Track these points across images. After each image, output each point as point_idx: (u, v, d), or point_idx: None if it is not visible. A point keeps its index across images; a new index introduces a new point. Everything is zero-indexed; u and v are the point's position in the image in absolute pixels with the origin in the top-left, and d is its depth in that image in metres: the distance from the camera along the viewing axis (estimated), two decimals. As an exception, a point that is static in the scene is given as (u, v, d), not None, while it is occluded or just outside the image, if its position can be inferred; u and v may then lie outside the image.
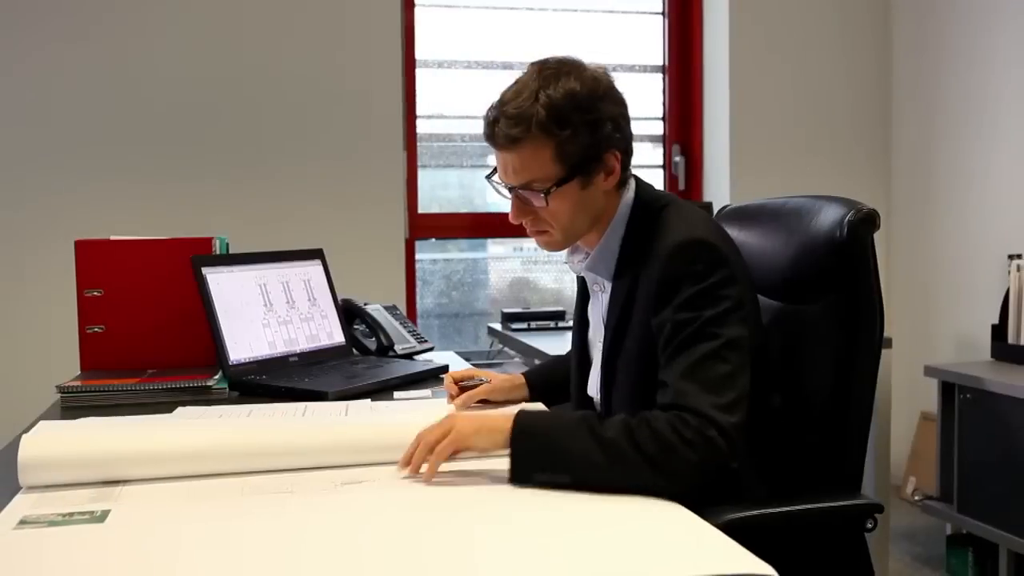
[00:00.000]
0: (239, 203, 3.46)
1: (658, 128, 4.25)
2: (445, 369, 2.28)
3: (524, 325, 3.19)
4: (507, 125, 1.48)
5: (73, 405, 1.95)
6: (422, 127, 3.88)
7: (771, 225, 1.76)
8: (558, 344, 2.95)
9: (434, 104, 3.94)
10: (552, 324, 3.21)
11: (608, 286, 1.61)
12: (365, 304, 2.56)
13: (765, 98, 3.95)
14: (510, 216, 1.58)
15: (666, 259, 1.46)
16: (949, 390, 3.04)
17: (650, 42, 4.24)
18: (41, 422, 1.74)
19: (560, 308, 3.38)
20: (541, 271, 4.07)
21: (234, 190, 3.48)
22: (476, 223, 4.03)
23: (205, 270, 2.14)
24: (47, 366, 2.46)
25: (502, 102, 1.52)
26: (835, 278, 1.61)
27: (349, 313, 2.49)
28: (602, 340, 1.62)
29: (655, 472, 1.31)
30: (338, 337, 2.39)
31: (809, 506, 1.51)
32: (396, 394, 2.03)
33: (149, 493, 1.33)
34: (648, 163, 4.25)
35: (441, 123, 4.00)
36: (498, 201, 4.03)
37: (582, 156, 1.49)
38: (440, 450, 1.38)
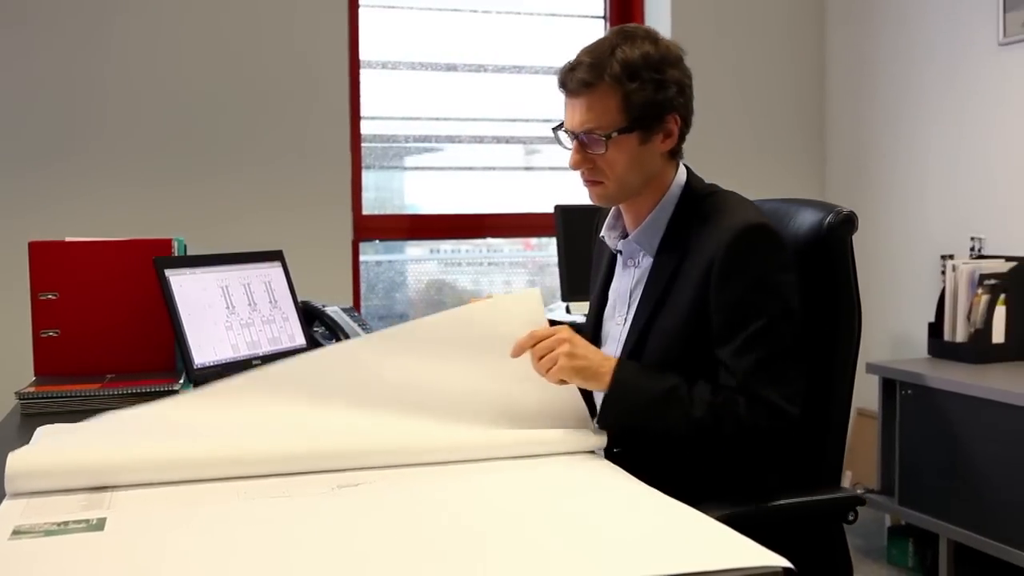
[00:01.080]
0: (185, 204, 3.39)
1: (599, 130, 4.28)
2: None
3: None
4: (582, 71, 1.58)
5: (34, 412, 1.88)
6: (365, 128, 3.85)
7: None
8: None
9: (378, 105, 3.91)
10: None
11: (644, 261, 1.66)
12: (324, 306, 2.54)
13: (705, 101, 3.99)
14: (570, 162, 1.64)
15: (731, 241, 1.52)
16: (890, 386, 3.13)
17: (591, 45, 4.27)
18: (41, 428, 1.67)
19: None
20: (458, 272, 4.06)
21: (181, 191, 3.40)
22: (418, 225, 4.01)
23: (168, 272, 2.09)
24: (-1, 371, 2.39)
25: (583, 52, 1.61)
26: (816, 277, 1.65)
27: (308, 315, 2.46)
28: (623, 314, 1.68)
29: (729, 450, 1.47)
30: (299, 339, 2.36)
31: (797, 500, 1.54)
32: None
33: (141, 499, 1.30)
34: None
35: (384, 124, 3.97)
36: (440, 203, 4.05)
37: (645, 111, 1.57)
38: (561, 368, 1.47)
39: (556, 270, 3.60)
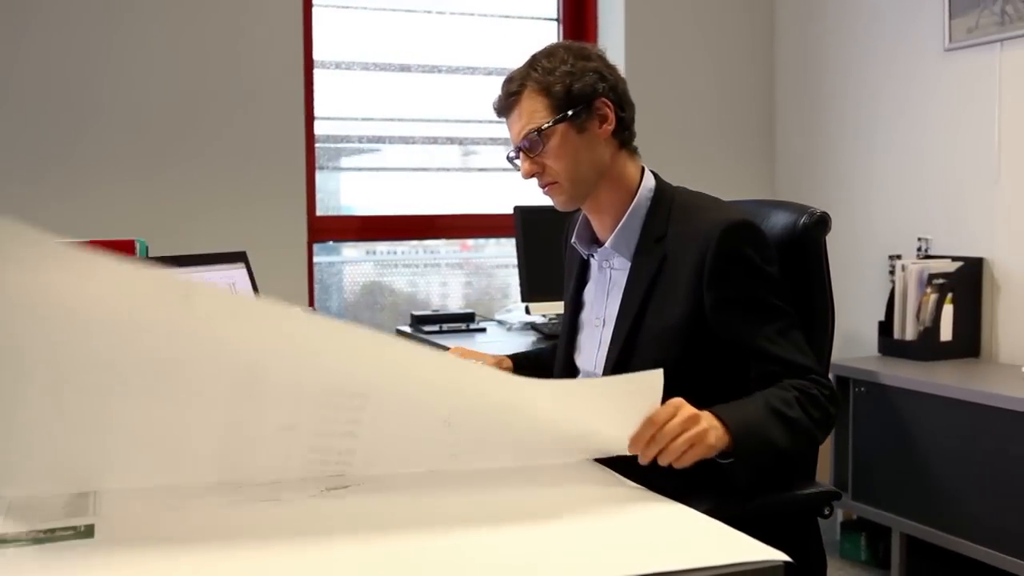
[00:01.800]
0: (137, 204, 3.33)
1: (552, 132, 4.30)
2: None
3: (436, 327, 3.18)
4: (506, 87, 1.67)
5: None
6: (319, 128, 3.82)
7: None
8: (477, 344, 2.97)
9: (331, 105, 3.88)
10: (464, 326, 3.22)
11: (618, 263, 1.69)
12: (288, 308, 2.52)
13: (659, 102, 4.06)
14: (522, 173, 1.68)
15: (723, 236, 1.55)
16: (843, 384, 3.19)
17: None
18: None
19: (469, 311, 3.39)
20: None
21: (132, 191, 3.34)
22: (367, 226, 3.98)
23: (134, 274, 2.05)
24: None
25: (505, 78, 1.70)
26: (790, 277, 1.68)
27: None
28: (600, 316, 1.69)
29: (820, 432, 1.54)
30: (264, 342, 2.34)
31: (774, 495, 1.57)
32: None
33: (126, 502, 1.27)
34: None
35: (338, 124, 3.94)
36: (382, 204, 4.03)
37: (571, 99, 1.62)
38: (691, 451, 1.37)
39: (493, 272, 3.63)
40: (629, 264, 1.67)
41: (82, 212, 3.25)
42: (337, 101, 3.90)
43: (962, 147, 3.38)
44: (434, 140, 4.12)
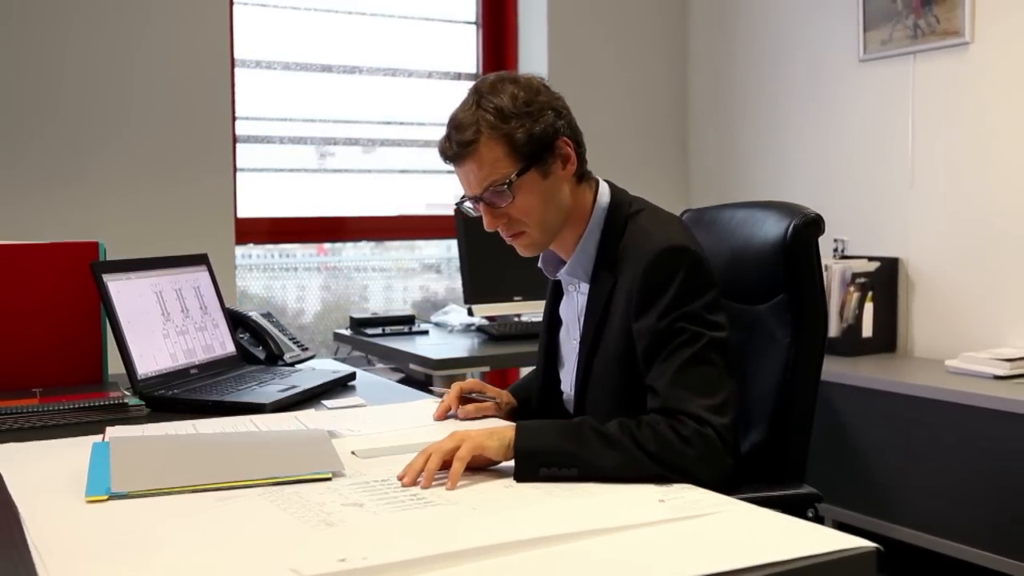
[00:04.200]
0: (64, 206, 3.18)
1: (472, 135, 4.31)
2: (353, 377, 2.24)
3: (379, 331, 3.15)
4: (457, 135, 1.56)
5: (-29, 430, 1.74)
6: (240, 129, 3.73)
7: (724, 229, 1.87)
8: (419, 346, 2.95)
9: (252, 105, 3.79)
10: (406, 329, 3.20)
11: (584, 287, 1.66)
12: (248, 312, 2.46)
13: (579, 107, 4.11)
14: (485, 225, 1.62)
15: (648, 265, 1.52)
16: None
17: (465, 51, 4.30)
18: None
19: (410, 313, 3.37)
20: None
21: (57, 193, 3.19)
22: (299, 228, 3.92)
23: (106, 277, 1.98)
24: None
25: (449, 122, 1.60)
26: (782, 279, 1.73)
27: (234, 321, 2.38)
28: (576, 337, 1.68)
29: (657, 465, 1.38)
30: (229, 347, 2.29)
31: (758, 495, 1.55)
32: (326, 403, 1.98)
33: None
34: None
35: (260, 125, 3.86)
36: (307, 206, 3.96)
37: (534, 145, 1.55)
38: (462, 455, 1.37)
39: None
40: (588, 287, 1.66)
41: (8, 214, 3.09)
42: (259, 101, 3.82)
43: (877, 153, 3.56)
44: (333, 141, 4.07)
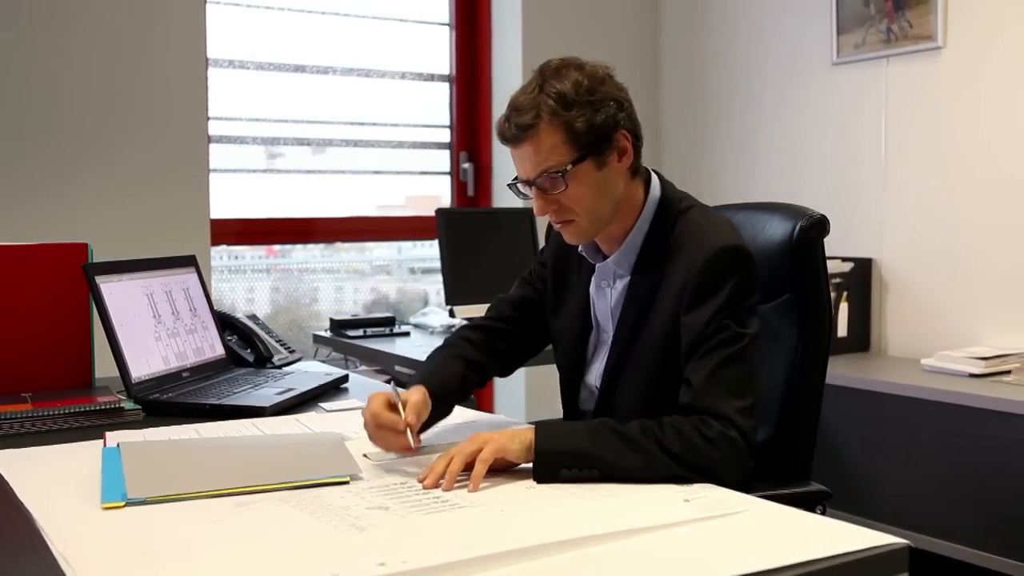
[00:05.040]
0: (31, 207, 3.12)
1: (445, 136, 4.31)
2: (346, 379, 2.22)
3: (360, 332, 3.13)
4: (517, 117, 1.53)
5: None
6: (213, 129, 3.68)
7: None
8: (403, 348, 2.94)
9: (225, 105, 3.75)
10: (387, 331, 3.18)
11: (618, 284, 1.65)
12: (235, 315, 2.43)
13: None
14: (535, 210, 1.60)
15: (707, 262, 1.52)
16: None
17: (438, 52, 4.29)
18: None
19: (390, 315, 3.35)
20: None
21: (27, 194, 3.13)
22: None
23: (99, 279, 1.94)
24: None
25: (510, 103, 1.57)
26: (788, 280, 1.75)
27: (222, 324, 2.35)
28: (609, 333, 1.66)
29: (680, 467, 1.39)
30: (219, 349, 2.26)
31: (767, 493, 1.57)
32: (324, 405, 1.96)
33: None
34: (436, 170, 4.31)
35: (233, 125, 3.81)
36: (274, 208, 3.93)
37: (593, 135, 1.53)
38: (484, 457, 1.37)
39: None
40: (627, 279, 1.64)
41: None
42: (229, 101, 3.78)
43: (851, 155, 3.61)
44: (307, 142, 4.05)
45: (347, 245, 4.18)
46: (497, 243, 3.30)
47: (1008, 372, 2.98)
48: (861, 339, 3.49)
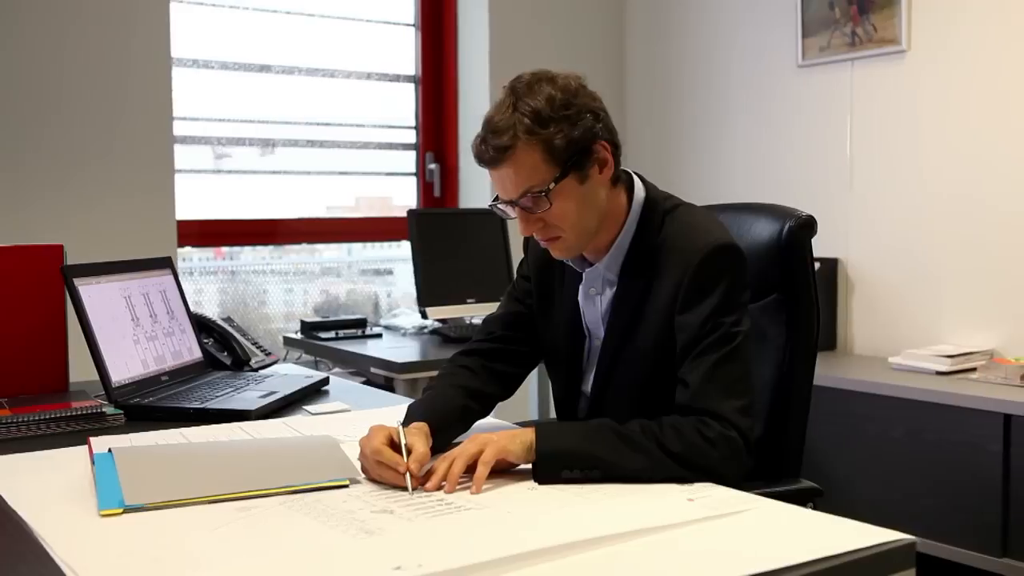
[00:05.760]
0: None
1: (411, 137, 4.29)
2: (326, 381, 2.20)
3: (332, 334, 3.11)
4: (494, 139, 1.51)
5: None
6: (177, 129, 3.63)
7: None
8: (378, 349, 2.92)
9: (189, 105, 3.70)
10: (359, 332, 3.16)
11: (608, 289, 1.63)
12: (212, 317, 2.40)
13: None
14: (520, 230, 1.58)
15: (701, 261, 1.52)
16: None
17: (404, 52, 4.27)
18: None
19: (362, 316, 3.33)
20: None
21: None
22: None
23: (78, 281, 1.90)
24: None
25: (485, 124, 1.54)
26: (776, 280, 1.77)
27: (199, 326, 2.32)
28: (599, 339, 1.64)
29: (681, 467, 1.40)
30: (197, 352, 2.23)
31: (767, 490, 1.56)
32: (308, 408, 1.94)
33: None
34: (402, 170, 4.29)
35: (198, 125, 3.76)
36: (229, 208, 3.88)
37: (572, 150, 1.51)
38: (486, 459, 1.37)
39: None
40: (616, 283, 1.63)
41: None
42: (196, 100, 3.73)
43: (816, 156, 3.65)
44: (272, 143, 4.01)
45: (297, 247, 4.12)
46: (469, 244, 3.30)
47: (974, 370, 3.04)
48: (827, 338, 3.54)
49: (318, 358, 3.10)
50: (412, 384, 2.73)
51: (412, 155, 4.30)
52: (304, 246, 4.14)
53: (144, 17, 3.35)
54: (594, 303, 1.66)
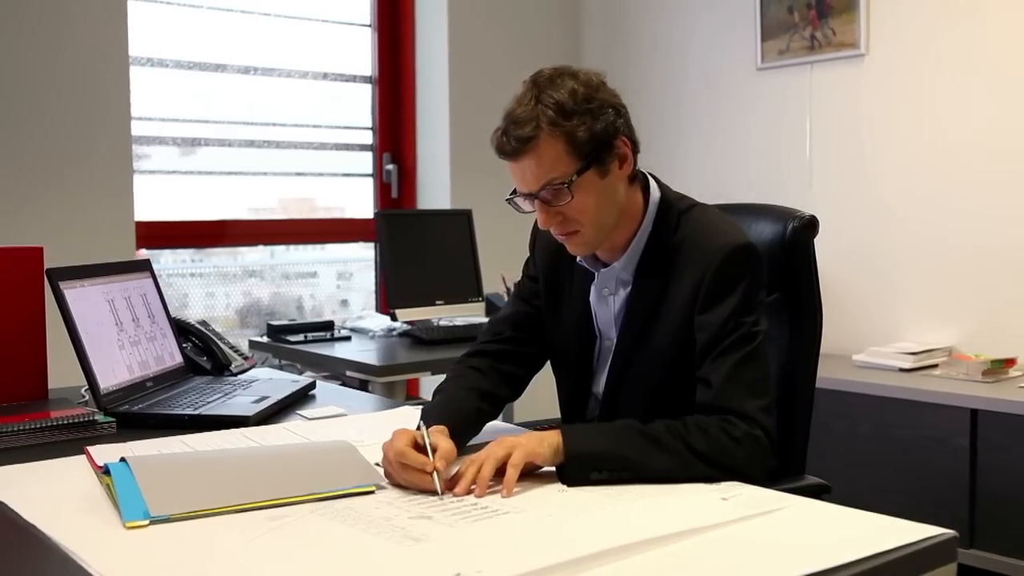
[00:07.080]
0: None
1: (368, 138, 4.25)
2: (314, 385, 2.17)
3: (301, 337, 3.06)
4: (516, 130, 1.50)
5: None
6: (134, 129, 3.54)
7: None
8: (349, 352, 2.89)
9: (145, 104, 3.61)
10: (327, 335, 3.11)
11: (623, 290, 1.63)
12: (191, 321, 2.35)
13: (484, 107, 4.11)
14: (539, 223, 1.56)
15: (722, 261, 1.52)
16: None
17: (360, 53, 4.23)
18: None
19: (329, 319, 3.28)
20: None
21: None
22: (208, 231, 3.77)
23: (63, 285, 1.84)
24: None
25: (506, 116, 1.53)
26: (779, 279, 1.78)
27: (179, 331, 2.26)
28: (612, 339, 1.64)
29: (708, 466, 1.40)
30: (178, 357, 2.18)
31: (782, 487, 1.57)
32: (303, 413, 1.90)
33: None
34: (359, 171, 4.25)
35: (153, 125, 3.67)
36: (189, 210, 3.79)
37: (594, 144, 1.51)
38: (515, 462, 1.35)
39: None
40: (631, 284, 1.63)
41: None
42: (152, 99, 3.64)
43: (776, 157, 3.71)
44: (228, 143, 3.94)
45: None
46: (436, 245, 3.27)
47: (935, 366, 3.11)
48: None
49: (286, 361, 3.05)
50: (390, 387, 2.70)
51: (369, 156, 4.27)
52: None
53: (100, 15, 3.26)
54: (607, 303, 1.65)
